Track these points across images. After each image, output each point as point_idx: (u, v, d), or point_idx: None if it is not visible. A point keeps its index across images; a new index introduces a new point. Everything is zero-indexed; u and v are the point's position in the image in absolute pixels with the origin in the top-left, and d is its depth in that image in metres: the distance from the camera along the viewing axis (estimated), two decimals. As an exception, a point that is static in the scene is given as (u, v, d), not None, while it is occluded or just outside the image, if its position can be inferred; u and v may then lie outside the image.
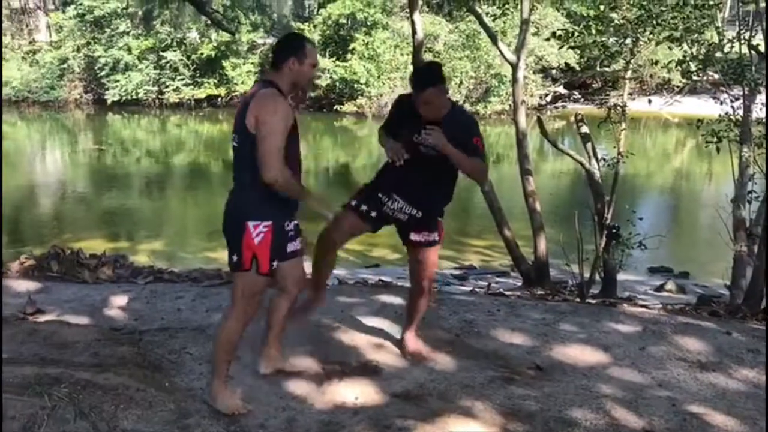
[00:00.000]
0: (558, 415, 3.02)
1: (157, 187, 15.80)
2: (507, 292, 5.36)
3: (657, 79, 25.06)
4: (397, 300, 4.44)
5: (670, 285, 7.03)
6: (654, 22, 6.00)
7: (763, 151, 7.57)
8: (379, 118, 25.71)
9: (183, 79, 26.40)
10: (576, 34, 6.68)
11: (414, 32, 5.81)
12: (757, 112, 7.79)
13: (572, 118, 8.77)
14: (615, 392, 3.27)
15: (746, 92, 7.81)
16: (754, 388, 3.40)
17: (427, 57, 25.74)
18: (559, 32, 6.33)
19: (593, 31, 6.00)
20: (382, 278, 5.99)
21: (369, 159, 21.53)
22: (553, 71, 26.66)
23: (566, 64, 26.02)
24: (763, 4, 8.35)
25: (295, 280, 3.19)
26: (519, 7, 7.00)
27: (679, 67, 8.17)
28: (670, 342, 3.91)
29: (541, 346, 3.79)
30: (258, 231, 2.90)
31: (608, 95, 26.98)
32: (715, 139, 7.54)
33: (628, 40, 8.24)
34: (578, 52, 26.19)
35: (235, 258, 2.95)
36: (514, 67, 6.21)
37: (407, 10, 26.61)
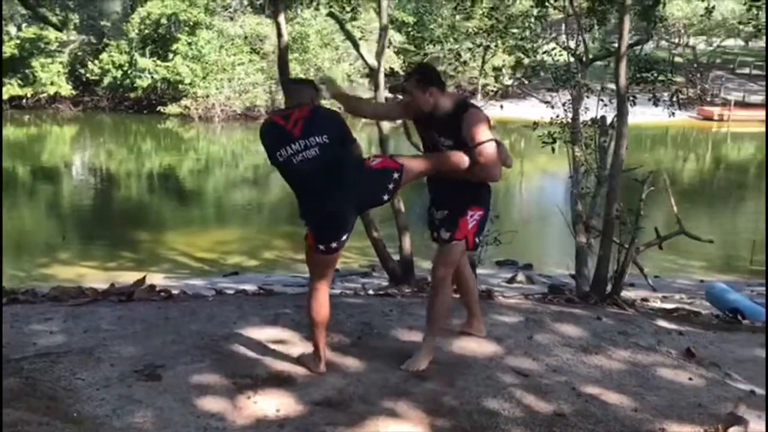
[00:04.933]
0: (477, 408, 3.15)
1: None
2: (390, 292, 5.47)
3: (472, 84, 26.60)
4: (288, 307, 4.36)
5: (520, 276, 7.54)
6: (503, 32, 6.45)
7: (591, 151, 8.36)
8: (206, 120, 24.95)
9: (-19, 79, 23.90)
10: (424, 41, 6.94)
11: (279, 35, 5.73)
12: (583, 114, 8.58)
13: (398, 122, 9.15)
14: (519, 381, 3.46)
15: (574, 95, 8.59)
16: (633, 367, 3.75)
17: (255, 58, 25.44)
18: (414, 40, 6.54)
19: (450, 39, 6.30)
20: (263, 287, 5.85)
21: (197, 163, 20.80)
22: (379, 75, 27.41)
23: (390, 68, 26.86)
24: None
25: None
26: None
27: (507, 72, 8.80)
28: (551, 330, 4.20)
29: (441, 342, 3.89)
30: None
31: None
32: (551, 140, 8.23)
33: (454, 46, 8.71)
34: (401, 57, 27.16)
35: None
36: (376, 71, 6.34)
37: (231, 10, 25.97)
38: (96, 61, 25.33)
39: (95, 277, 7.71)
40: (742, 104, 27.71)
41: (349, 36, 6.62)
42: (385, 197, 3.29)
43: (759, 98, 29.00)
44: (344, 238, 3.30)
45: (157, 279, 7.61)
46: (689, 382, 3.58)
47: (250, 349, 3.70)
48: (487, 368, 3.60)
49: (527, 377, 3.51)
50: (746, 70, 31.89)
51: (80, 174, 18.15)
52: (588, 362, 3.77)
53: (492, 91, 27.23)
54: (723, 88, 29.37)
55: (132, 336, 3.82)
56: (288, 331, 3.96)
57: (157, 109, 25.05)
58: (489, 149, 3.32)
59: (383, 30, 6.39)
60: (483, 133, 3.31)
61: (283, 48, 5.78)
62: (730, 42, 32.10)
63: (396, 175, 3.25)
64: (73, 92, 26.17)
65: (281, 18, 5.67)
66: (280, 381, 3.36)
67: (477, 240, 3.59)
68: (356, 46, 6.45)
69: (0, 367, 3.17)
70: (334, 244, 3.27)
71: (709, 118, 27.14)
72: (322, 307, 3.42)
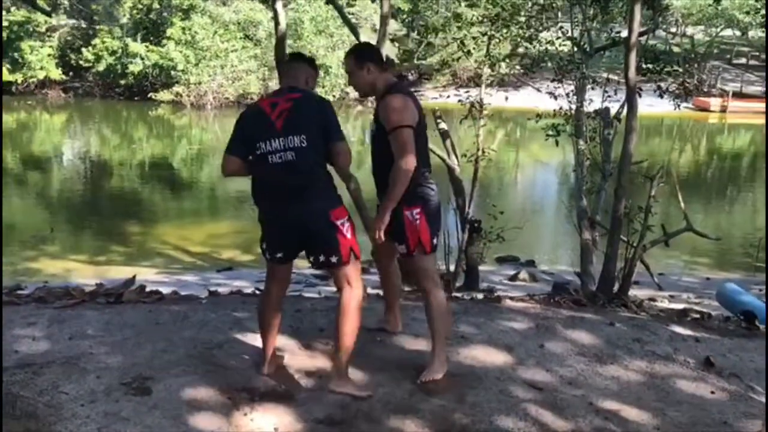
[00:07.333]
0: (490, 427, 2.94)
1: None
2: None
3: (468, 72, 26.26)
4: (285, 313, 4.13)
5: (523, 274, 7.33)
6: (507, 20, 6.23)
7: (595, 144, 8.14)
8: (198, 108, 24.58)
9: (-31, 64, 23.49)
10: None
11: (277, 23, 5.47)
12: (587, 106, 8.33)
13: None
14: (533, 395, 3.26)
15: (577, 86, 8.34)
16: (651, 378, 3.55)
17: (249, 45, 25.06)
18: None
19: (454, 27, 6.06)
20: (259, 287, 5.61)
21: (189, 152, 20.48)
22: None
23: (386, 56, 26.56)
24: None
25: None
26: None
27: (502, 61, 8.58)
28: (563, 337, 4.00)
29: (448, 351, 3.69)
30: None
31: (424, 87, 28.01)
32: (554, 133, 7.99)
33: (458, 34, 8.48)
34: (396, 45, 26.87)
35: None
36: (377, 61, 6.08)
37: (225, -7, 25.38)
38: (90, 47, 24.92)
39: (84, 272, 7.47)
40: (740, 95, 27.50)
41: (348, 23, 6.35)
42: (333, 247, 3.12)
43: (756, 89, 28.80)
44: (290, 255, 3.22)
45: (148, 274, 7.37)
46: (711, 396, 3.39)
47: (246, 360, 3.48)
48: (499, 381, 3.39)
49: (541, 391, 3.30)
50: (743, 61, 31.71)
51: (70, 163, 17.82)
52: (604, 373, 3.57)
53: (489, 79, 27.06)
54: (720, 78, 29.16)
55: (120, 343, 3.60)
56: (285, 339, 3.74)
57: (149, 95, 24.67)
58: (399, 136, 3.09)
59: (385, 18, 6.12)
60: (394, 120, 3.09)
61: (281, 36, 5.52)
62: (727, 32, 31.89)
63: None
64: (63, 77, 25.79)
65: (279, 4, 5.40)
66: (279, 396, 3.14)
67: (434, 241, 3.32)
68: (356, 34, 6.19)
69: (0, 376, 2.98)
70: (279, 255, 3.19)
71: (705, 109, 26.92)
72: (267, 309, 3.31)
